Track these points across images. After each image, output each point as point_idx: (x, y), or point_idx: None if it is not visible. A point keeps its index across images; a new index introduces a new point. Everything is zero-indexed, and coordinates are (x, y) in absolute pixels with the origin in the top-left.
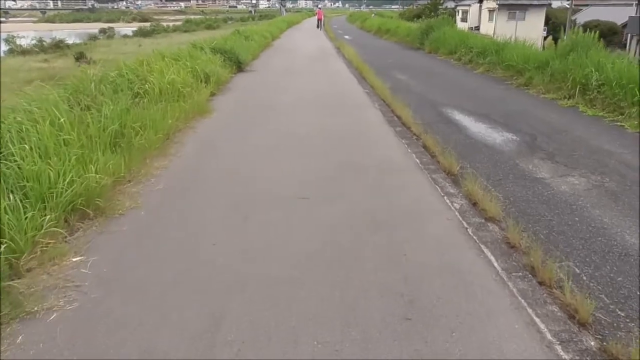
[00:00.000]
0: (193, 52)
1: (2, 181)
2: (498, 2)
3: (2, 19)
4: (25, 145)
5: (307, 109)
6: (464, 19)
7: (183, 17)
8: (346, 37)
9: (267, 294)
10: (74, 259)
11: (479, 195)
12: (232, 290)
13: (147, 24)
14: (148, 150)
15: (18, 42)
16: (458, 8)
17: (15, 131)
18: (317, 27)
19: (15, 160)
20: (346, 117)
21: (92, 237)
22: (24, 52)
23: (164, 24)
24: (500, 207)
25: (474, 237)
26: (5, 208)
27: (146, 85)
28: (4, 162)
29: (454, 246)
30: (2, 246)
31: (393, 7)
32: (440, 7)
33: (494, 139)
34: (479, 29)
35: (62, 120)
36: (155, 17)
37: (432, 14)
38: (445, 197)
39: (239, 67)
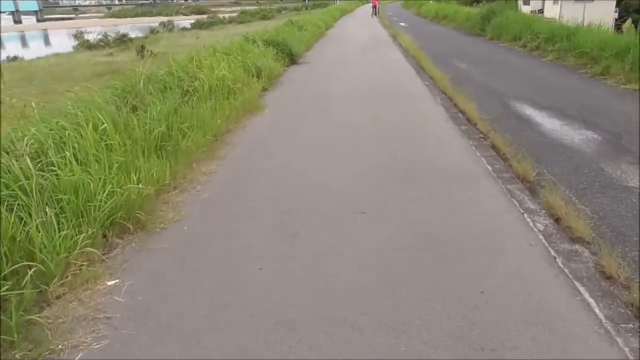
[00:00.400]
0: (245, 45)
1: (35, 196)
2: None
3: (72, 16)
4: (66, 153)
5: (362, 102)
6: (526, 2)
7: (239, 8)
8: (401, 24)
9: (318, 340)
10: (108, 283)
11: (562, 209)
12: (274, 334)
13: (204, 16)
14: (195, 154)
15: (85, 37)
16: None
17: (57, 137)
18: (372, 14)
19: (54, 170)
20: (405, 112)
21: (130, 255)
22: (90, 46)
23: (220, 15)
24: (589, 225)
25: (565, 269)
26: (37, 226)
27: (195, 83)
28: (42, 173)
29: (542, 284)
30: (32, 270)
31: None
32: None
33: (571, 138)
34: (542, 12)
35: (105, 125)
36: (212, 9)
37: None
38: (525, 215)
39: (292, 59)
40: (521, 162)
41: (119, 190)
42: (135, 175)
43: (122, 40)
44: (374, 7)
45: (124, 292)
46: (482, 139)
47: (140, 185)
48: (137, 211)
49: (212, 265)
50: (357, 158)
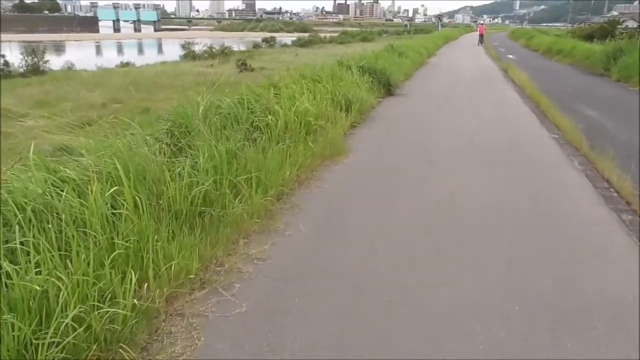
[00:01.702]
0: (337, 71)
1: None
2: None
3: (185, 27)
4: (41, 239)
5: (472, 167)
6: None
7: (340, 29)
8: (510, 56)
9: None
10: None
11: None
12: None
13: (306, 35)
14: (246, 224)
15: (191, 48)
16: None
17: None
18: (478, 43)
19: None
20: (538, 188)
21: None
22: (194, 57)
23: (322, 35)
24: None
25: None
26: None
27: (269, 117)
28: None
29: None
30: None
31: (555, 24)
32: (619, 26)
33: None
34: None
35: (121, 187)
36: (315, 28)
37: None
38: None
39: (389, 89)
40: None
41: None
42: (142, 270)
43: (225, 53)
44: (481, 35)
45: None
46: None
47: (136, 301)
48: (123, 345)
49: None
50: (474, 281)
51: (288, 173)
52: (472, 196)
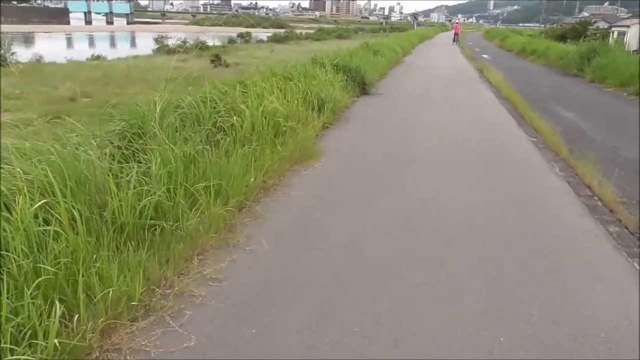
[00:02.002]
0: (311, 69)
1: None
2: None
3: (159, 21)
4: None
5: (453, 170)
6: (618, 43)
7: (317, 25)
8: (484, 56)
9: None
10: None
11: None
12: None
13: (282, 31)
14: (202, 239)
15: (165, 42)
16: (613, 29)
17: None
18: (453, 41)
19: None
20: (517, 192)
21: None
22: (168, 51)
23: (298, 31)
24: None
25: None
26: None
27: (234, 118)
28: None
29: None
30: None
31: (528, 24)
32: (590, 26)
33: None
34: None
35: (54, 199)
36: (292, 24)
37: (582, 35)
38: None
39: (363, 88)
40: None
41: None
42: (75, 298)
43: (200, 47)
44: (456, 34)
45: None
46: None
47: (57, 341)
48: None
49: None
50: (453, 292)
51: (253, 179)
52: (451, 205)
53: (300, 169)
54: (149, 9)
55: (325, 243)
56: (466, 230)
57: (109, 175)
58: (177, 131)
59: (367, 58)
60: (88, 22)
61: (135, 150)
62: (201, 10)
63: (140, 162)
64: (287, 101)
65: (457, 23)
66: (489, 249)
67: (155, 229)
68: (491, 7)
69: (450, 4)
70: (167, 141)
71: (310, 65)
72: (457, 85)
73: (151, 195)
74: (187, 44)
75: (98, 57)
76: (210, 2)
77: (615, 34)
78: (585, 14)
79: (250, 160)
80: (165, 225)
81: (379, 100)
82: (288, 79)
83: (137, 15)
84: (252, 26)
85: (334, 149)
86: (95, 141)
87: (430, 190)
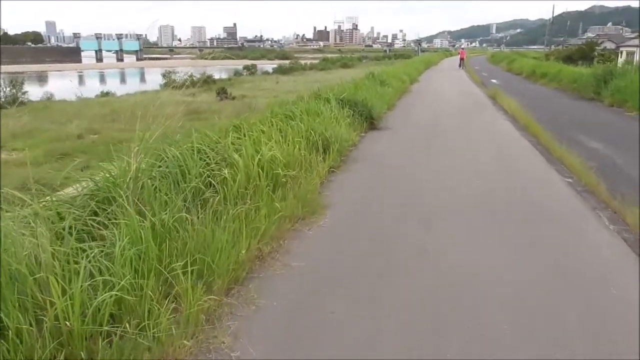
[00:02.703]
0: (314, 105)
1: None
2: None
3: (167, 56)
4: None
5: (481, 227)
6: (629, 62)
7: (321, 55)
8: (493, 81)
9: None
10: None
11: None
12: None
13: (287, 62)
14: (176, 343)
15: (172, 77)
16: (621, 49)
17: None
18: (460, 65)
19: None
20: (565, 256)
21: None
22: (175, 86)
23: (303, 62)
24: None
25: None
26: None
27: (225, 170)
28: None
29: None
30: None
31: (532, 47)
32: (597, 47)
33: None
34: None
35: None
36: (296, 55)
37: (589, 56)
38: None
39: (371, 123)
40: None
41: None
42: None
43: (206, 81)
44: (462, 59)
45: None
46: None
47: None
48: None
49: None
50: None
51: (244, 251)
52: (485, 278)
53: (303, 228)
54: (157, 45)
55: (330, 340)
56: (516, 327)
57: (53, 265)
58: (155, 192)
59: (374, 89)
60: (99, 59)
61: (99, 224)
62: (208, 44)
63: (104, 240)
64: (288, 145)
65: (462, 49)
66: (541, 338)
67: (112, 336)
68: (494, 31)
69: (452, 29)
70: (141, 209)
71: (313, 100)
72: (470, 115)
73: (109, 289)
74: (194, 78)
75: (107, 94)
76: (217, 36)
77: (624, 54)
78: (590, 34)
79: (242, 223)
80: (127, 329)
81: (388, 135)
82: (289, 117)
83: (146, 51)
84: (258, 58)
85: (341, 200)
86: (42, 218)
87: (459, 260)
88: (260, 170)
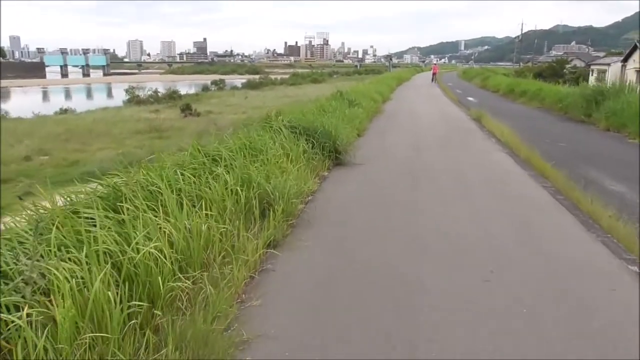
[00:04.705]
0: (257, 140)
1: None
2: None
3: (135, 71)
4: None
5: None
6: (600, 80)
7: (292, 70)
8: (470, 99)
9: None
10: None
11: None
12: None
13: (257, 76)
14: None
15: (136, 92)
16: (593, 67)
17: None
18: (432, 80)
19: None
20: None
21: None
22: (139, 102)
23: (273, 76)
24: None
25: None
26: None
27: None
28: None
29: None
30: None
31: (499, 63)
32: (567, 65)
33: None
34: None
35: None
36: (267, 69)
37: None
38: None
39: (336, 156)
40: None
41: None
42: None
43: (172, 96)
44: (434, 74)
45: None
46: None
47: None
48: None
49: None
50: None
51: None
52: None
53: None
54: (126, 60)
55: None
56: None
57: None
58: None
59: (341, 111)
60: (64, 75)
61: None
62: (177, 59)
63: None
64: (199, 217)
65: (434, 64)
66: None
67: None
68: (462, 48)
69: (422, 45)
70: None
71: (256, 132)
72: (459, 145)
73: None
74: (159, 94)
75: (65, 111)
76: (187, 51)
77: (596, 72)
78: (555, 52)
79: None
80: None
81: (357, 176)
82: (215, 161)
83: (113, 66)
84: (228, 73)
85: (275, 323)
86: None
87: None
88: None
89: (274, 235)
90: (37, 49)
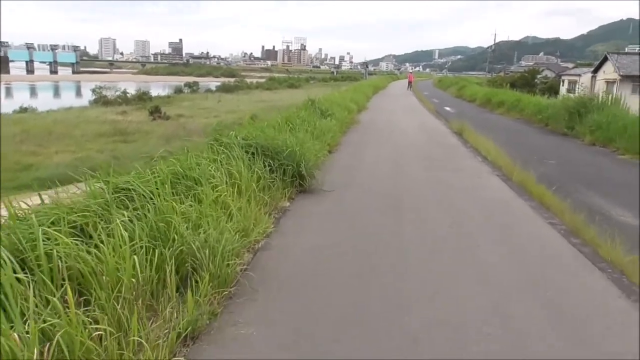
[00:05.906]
0: (194, 165)
1: None
2: (621, 73)
3: (107, 70)
4: None
5: None
6: (570, 91)
7: (268, 74)
8: (447, 108)
9: None
10: None
11: None
12: None
13: (232, 80)
14: None
15: (103, 92)
16: (564, 78)
17: None
18: (408, 88)
19: None
20: None
21: None
22: (106, 102)
23: (249, 80)
24: None
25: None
26: None
27: None
28: None
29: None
30: None
31: (471, 73)
32: (539, 75)
33: None
34: None
35: None
36: (243, 73)
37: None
38: None
39: (301, 182)
40: None
41: None
42: None
43: (142, 98)
44: (410, 82)
45: None
46: None
47: None
48: None
49: None
50: None
51: None
52: None
53: None
54: (98, 58)
55: None
56: None
57: None
58: None
59: (311, 123)
60: (30, 71)
61: None
62: (152, 59)
63: None
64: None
65: (410, 73)
66: None
67: None
68: (436, 57)
69: (397, 53)
70: None
71: (200, 154)
72: (444, 166)
73: None
74: (129, 95)
75: (25, 110)
76: (162, 51)
77: (567, 82)
78: (525, 62)
79: None
80: None
81: (324, 208)
82: (123, 207)
83: (84, 64)
84: (203, 75)
85: None
86: None
87: None
88: None
89: (196, 321)
90: (2, 42)
